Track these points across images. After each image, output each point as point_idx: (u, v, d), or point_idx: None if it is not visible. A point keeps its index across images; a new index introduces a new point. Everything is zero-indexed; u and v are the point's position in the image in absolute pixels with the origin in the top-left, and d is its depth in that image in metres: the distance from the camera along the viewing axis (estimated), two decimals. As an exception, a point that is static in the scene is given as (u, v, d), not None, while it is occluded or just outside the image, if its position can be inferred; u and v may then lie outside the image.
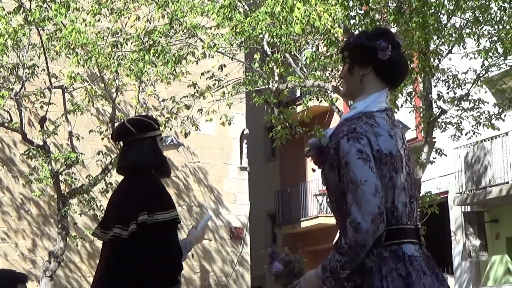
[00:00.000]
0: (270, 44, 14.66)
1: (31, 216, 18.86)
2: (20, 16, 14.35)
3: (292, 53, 14.82)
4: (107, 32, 15.15)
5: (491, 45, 14.48)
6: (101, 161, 16.41)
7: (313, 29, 13.61)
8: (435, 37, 14.08)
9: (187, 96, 15.97)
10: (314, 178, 25.28)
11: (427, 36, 13.29)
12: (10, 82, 15.69)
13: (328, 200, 3.52)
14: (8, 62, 15.41)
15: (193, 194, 21.40)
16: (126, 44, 14.99)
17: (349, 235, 3.17)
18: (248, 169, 22.62)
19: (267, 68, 14.75)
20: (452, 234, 20.45)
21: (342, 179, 3.29)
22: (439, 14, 13.81)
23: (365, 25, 13.47)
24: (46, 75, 15.59)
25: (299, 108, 19.02)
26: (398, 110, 14.68)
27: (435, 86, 16.01)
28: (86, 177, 16.43)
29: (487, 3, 13.94)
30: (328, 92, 15.65)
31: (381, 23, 13.92)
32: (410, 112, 16.92)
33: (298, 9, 12.37)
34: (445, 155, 16.40)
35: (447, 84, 15.79)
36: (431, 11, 13.36)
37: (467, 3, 14.01)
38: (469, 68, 15.57)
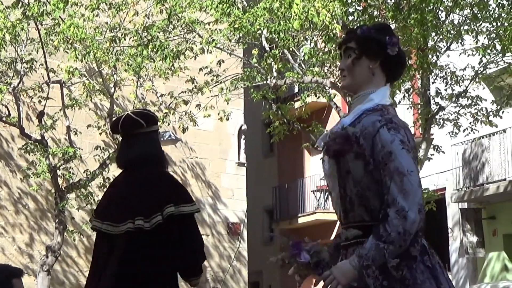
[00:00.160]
0: (268, 40, 14.65)
1: (28, 211, 18.87)
2: (18, 10, 14.33)
3: (291, 49, 14.82)
4: (105, 27, 15.14)
5: (489, 42, 14.48)
6: (98, 155, 16.42)
7: (311, 25, 13.61)
8: (433, 34, 14.08)
9: (185, 92, 15.96)
10: (311, 174, 25.31)
11: (425, 32, 13.29)
12: (8, 77, 15.68)
13: (338, 190, 3.41)
14: (6, 57, 15.41)
15: (191, 190, 21.36)
16: (125, 39, 14.97)
17: (396, 223, 3.17)
18: (246, 165, 22.63)
19: (265, 64, 14.75)
20: (449, 230, 20.47)
21: (376, 168, 3.27)
22: (437, 10, 13.81)
23: (363, 21, 13.47)
24: (44, 69, 15.59)
25: (297, 104, 19.03)
26: (396, 106, 14.67)
27: (433, 83, 16.02)
28: (84, 172, 16.43)
29: (485, 0, 13.94)
30: (326, 88, 15.66)
31: (380, 19, 13.92)
32: (408, 108, 16.93)
33: (297, 5, 12.36)
34: (443, 152, 16.41)
35: (445, 80, 15.80)
36: (429, 8, 13.37)
37: (466, 0, 14.01)
38: (467, 65, 15.58)
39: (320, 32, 13.89)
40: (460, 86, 15.59)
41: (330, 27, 12.99)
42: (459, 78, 15.64)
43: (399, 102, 15.57)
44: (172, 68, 15.25)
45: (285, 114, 16.46)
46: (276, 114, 16.46)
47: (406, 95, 15.87)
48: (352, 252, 3.31)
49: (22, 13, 14.24)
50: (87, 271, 4.79)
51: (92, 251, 4.75)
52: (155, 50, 14.28)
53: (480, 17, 14.15)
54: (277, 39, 13.73)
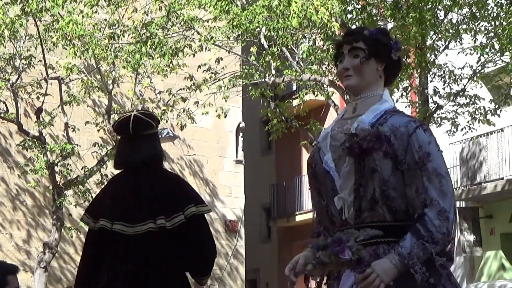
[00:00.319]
0: (267, 38, 14.66)
1: (26, 207, 18.87)
2: (17, 6, 14.34)
3: (289, 47, 14.82)
4: (104, 24, 15.14)
5: (488, 41, 14.50)
6: (96, 152, 16.41)
7: (310, 23, 13.62)
8: (431, 33, 14.10)
9: (183, 89, 15.96)
10: (309, 172, 25.28)
11: (423, 31, 13.31)
12: (7, 73, 15.68)
13: (353, 190, 3.35)
14: (5, 53, 15.41)
15: (189, 187, 21.40)
16: (123, 36, 14.97)
17: (439, 224, 3.22)
18: (243, 162, 22.64)
19: (263, 61, 14.76)
20: (447, 229, 20.48)
21: (409, 168, 3.29)
22: (436, 9, 13.83)
23: (362, 19, 13.49)
24: (42, 66, 15.59)
25: (295, 102, 19.03)
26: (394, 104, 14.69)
27: (431, 81, 16.03)
28: (82, 169, 16.43)
29: (484, -1, 13.97)
30: (325, 86, 15.66)
31: (378, 18, 13.94)
32: (406, 107, 16.93)
33: (295, 3, 12.37)
34: (441, 151, 16.40)
35: (443, 79, 15.81)
36: (428, 7, 13.38)
37: (464, -1, 14.04)
38: (466, 63, 15.59)
39: (319, 30, 13.90)
40: (458, 85, 15.60)
41: (328, 25, 13.00)
42: (457, 77, 15.64)
43: (397, 100, 15.57)
44: (171, 65, 15.26)
45: (283, 112, 16.47)
46: (274, 112, 16.47)
47: (404, 93, 15.88)
48: (373, 252, 3.28)
49: (21, 9, 14.26)
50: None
51: (84, 248, 4.73)
52: (153, 47, 14.29)
53: (478, 16, 14.16)
54: (275, 37, 13.73)
